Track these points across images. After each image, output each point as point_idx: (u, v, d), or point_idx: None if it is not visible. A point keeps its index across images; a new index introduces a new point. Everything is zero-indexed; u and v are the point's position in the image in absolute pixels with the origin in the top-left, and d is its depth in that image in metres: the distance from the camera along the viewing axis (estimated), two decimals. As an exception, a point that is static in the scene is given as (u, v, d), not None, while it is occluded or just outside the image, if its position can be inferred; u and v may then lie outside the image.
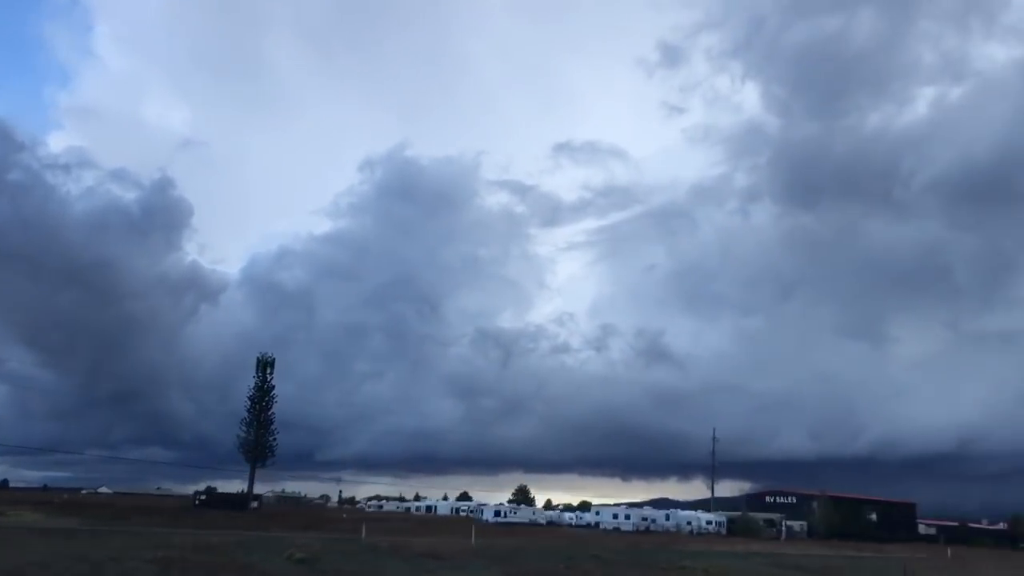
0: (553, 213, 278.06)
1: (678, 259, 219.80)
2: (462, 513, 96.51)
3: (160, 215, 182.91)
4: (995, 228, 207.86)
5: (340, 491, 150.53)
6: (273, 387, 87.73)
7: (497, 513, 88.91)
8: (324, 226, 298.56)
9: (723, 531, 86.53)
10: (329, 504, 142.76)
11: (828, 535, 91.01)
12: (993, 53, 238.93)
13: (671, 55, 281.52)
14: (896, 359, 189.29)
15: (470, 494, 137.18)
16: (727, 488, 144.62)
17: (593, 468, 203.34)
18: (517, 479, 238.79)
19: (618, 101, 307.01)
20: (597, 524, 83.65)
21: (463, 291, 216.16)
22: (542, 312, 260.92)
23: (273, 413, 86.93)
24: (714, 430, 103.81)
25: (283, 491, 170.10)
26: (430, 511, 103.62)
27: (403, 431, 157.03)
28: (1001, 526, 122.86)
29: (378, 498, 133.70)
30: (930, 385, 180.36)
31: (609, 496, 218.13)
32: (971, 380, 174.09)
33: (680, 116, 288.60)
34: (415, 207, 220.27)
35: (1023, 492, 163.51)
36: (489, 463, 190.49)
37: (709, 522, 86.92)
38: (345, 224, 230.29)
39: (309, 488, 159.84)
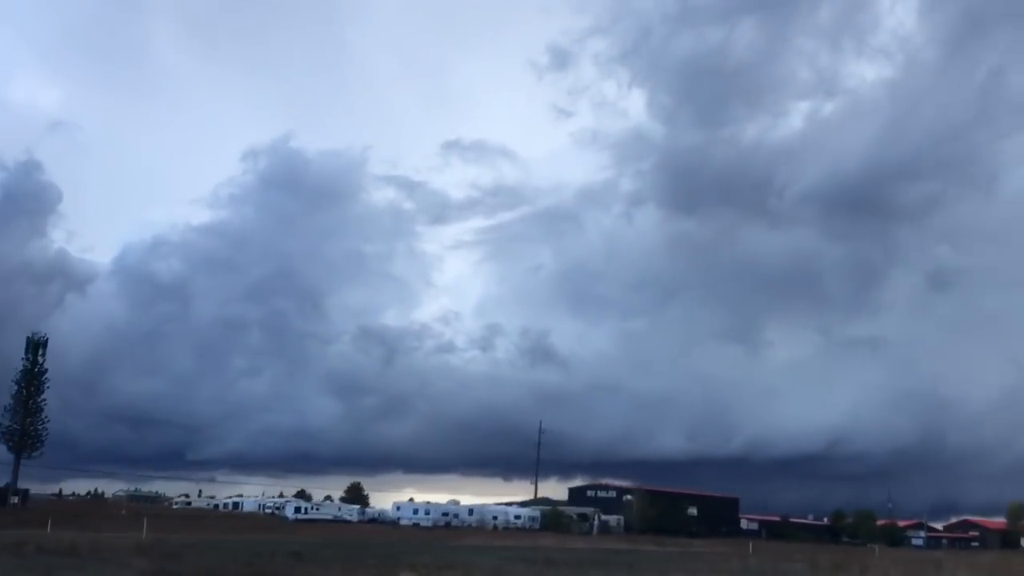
0: (441, 211, 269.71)
1: (564, 260, 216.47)
2: (267, 511, 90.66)
3: (25, 199, 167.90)
4: (863, 239, 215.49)
5: (200, 490, 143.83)
6: (46, 370, 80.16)
7: (297, 510, 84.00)
8: (203, 216, 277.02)
9: (536, 526, 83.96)
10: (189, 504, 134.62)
11: (644, 529, 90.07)
12: (863, 72, 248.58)
13: (560, 58, 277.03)
14: (770, 363, 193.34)
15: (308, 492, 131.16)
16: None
17: (475, 468, 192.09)
18: (397, 479, 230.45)
19: (508, 101, 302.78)
20: (397, 520, 79.66)
21: (346, 287, 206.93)
22: (428, 311, 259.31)
23: (44, 399, 79.50)
24: (540, 423, 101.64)
25: (136, 489, 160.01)
26: (236, 508, 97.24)
27: (281, 430, 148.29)
28: (825, 521, 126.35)
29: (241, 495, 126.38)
30: (801, 388, 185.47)
31: (490, 496, 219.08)
32: (839, 384, 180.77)
33: (568, 119, 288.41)
34: (299, 200, 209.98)
35: (884, 491, 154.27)
36: (369, 463, 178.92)
37: (518, 517, 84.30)
38: (225, 215, 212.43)
39: (180, 488, 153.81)
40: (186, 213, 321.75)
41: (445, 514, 79.49)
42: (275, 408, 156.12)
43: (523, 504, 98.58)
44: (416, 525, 76.43)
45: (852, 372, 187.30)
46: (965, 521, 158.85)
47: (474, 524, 79.40)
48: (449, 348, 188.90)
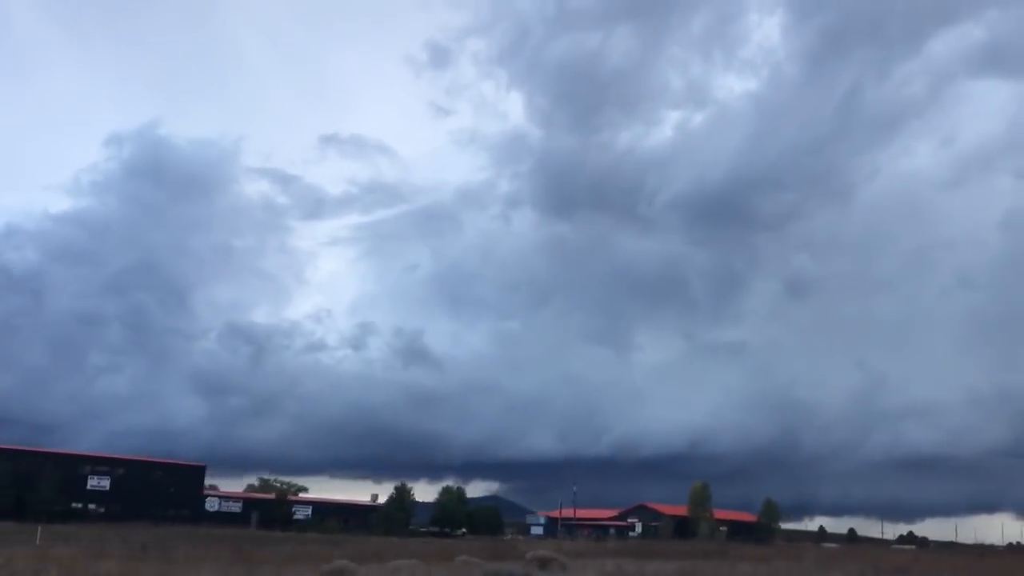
0: (316, 206, 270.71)
1: (441, 260, 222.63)
2: None
3: None
4: (726, 247, 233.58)
5: None
6: None
7: None
8: (61, 204, 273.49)
9: None
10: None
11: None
12: (732, 84, 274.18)
13: (439, 56, 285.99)
14: (638, 366, 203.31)
15: None
16: (479, 488, 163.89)
17: (345, 469, 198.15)
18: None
19: (387, 97, 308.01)
20: None
21: (214, 283, 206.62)
22: (300, 308, 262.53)
23: None
24: None
25: None
26: None
27: (141, 429, 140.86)
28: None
29: None
30: (667, 391, 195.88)
31: (362, 496, 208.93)
32: (702, 387, 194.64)
33: (447, 118, 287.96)
34: (165, 190, 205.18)
35: (742, 490, 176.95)
36: (235, 464, 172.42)
37: None
38: (86, 203, 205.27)
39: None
40: (43, 200, 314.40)
41: None
42: (136, 407, 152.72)
43: None
44: None
45: (714, 375, 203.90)
46: (642, 506, 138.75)
47: None
48: (320, 347, 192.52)
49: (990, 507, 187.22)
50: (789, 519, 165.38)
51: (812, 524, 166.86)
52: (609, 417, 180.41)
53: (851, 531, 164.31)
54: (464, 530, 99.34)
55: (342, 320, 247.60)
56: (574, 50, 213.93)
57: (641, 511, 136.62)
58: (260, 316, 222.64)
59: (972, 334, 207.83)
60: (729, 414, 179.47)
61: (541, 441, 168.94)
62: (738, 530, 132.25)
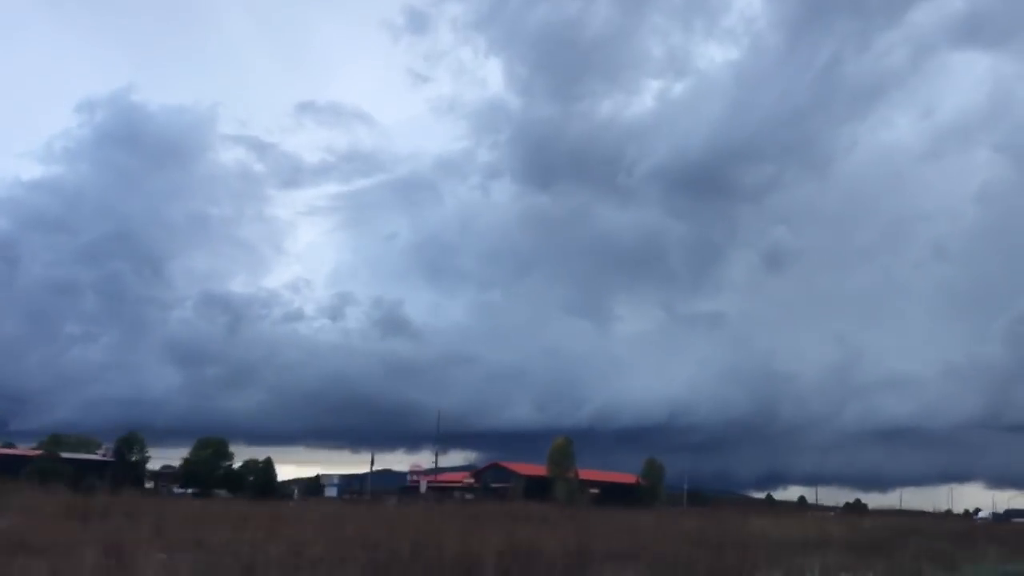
0: (293, 174, 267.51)
1: (420, 230, 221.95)
2: None
3: None
4: (705, 218, 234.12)
5: None
6: None
7: None
8: (33, 171, 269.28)
9: None
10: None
11: None
12: (713, 53, 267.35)
13: (417, 21, 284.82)
14: (617, 337, 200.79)
15: None
16: (457, 458, 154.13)
17: (323, 439, 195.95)
18: (240, 452, 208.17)
19: (364, 64, 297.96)
20: None
21: (190, 252, 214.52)
22: (279, 278, 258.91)
23: None
24: None
25: None
26: None
27: (116, 399, 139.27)
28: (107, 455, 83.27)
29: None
30: (646, 362, 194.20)
31: (337, 467, 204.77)
32: (681, 358, 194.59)
33: (425, 85, 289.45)
34: (139, 157, 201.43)
35: (720, 460, 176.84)
36: (211, 434, 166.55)
37: None
38: (58, 170, 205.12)
39: None
40: (15, 167, 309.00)
41: None
42: (110, 377, 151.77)
43: None
44: None
45: (693, 347, 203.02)
46: (495, 465, 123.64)
47: None
48: (298, 316, 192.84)
49: (962, 477, 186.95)
50: (763, 488, 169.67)
51: (787, 494, 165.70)
52: (588, 388, 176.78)
53: (801, 498, 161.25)
54: (225, 491, 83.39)
55: (320, 290, 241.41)
56: (554, 17, 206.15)
57: (495, 471, 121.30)
58: (237, 285, 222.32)
59: (947, 306, 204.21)
60: (707, 385, 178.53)
61: (520, 411, 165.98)
62: (614, 492, 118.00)
